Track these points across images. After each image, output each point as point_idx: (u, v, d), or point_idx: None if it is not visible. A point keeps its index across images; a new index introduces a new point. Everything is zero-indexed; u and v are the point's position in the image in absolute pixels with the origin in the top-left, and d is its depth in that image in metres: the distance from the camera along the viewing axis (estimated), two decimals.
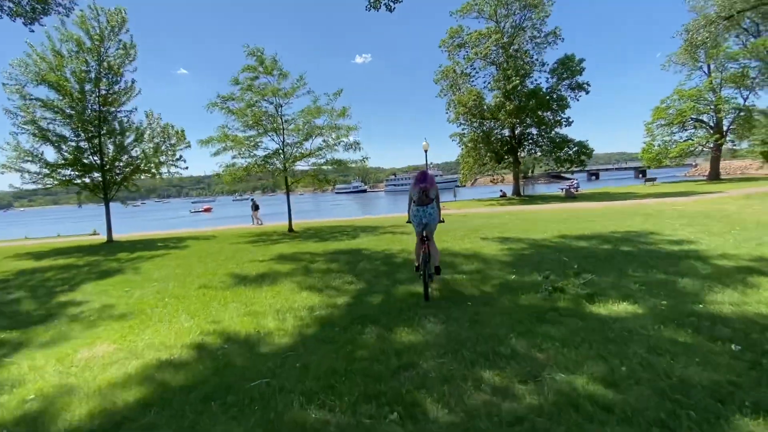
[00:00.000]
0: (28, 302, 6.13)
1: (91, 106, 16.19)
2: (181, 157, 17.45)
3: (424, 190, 4.72)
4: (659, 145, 34.90)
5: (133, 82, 16.50)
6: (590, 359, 2.81)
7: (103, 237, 17.96)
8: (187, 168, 17.84)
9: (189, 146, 17.48)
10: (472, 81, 31.44)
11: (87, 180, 16.73)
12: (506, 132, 31.04)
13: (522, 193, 32.78)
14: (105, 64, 16.20)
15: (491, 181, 40.17)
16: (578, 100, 30.09)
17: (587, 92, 29.81)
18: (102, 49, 16.09)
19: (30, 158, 15.36)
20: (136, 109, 17.20)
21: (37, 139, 15.29)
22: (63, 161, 15.87)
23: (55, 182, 16.38)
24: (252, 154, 15.33)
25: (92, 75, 15.92)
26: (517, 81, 27.22)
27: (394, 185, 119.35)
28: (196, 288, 6.18)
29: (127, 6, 16.28)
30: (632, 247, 7.34)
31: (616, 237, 8.65)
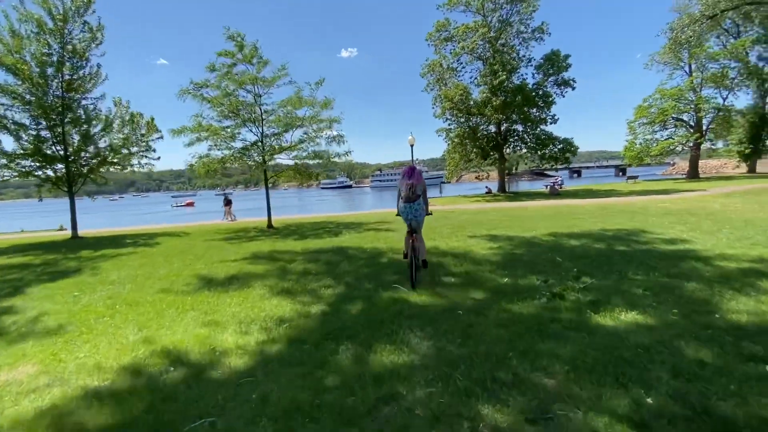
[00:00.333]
0: None
1: (54, 91, 15.01)
2: (151, 147, 16.38)
3: (411, 187, 4.92)
4: (641, 144, 35.35)
5: (99, 66, 15.35)
6: (608, 388, 2.34)
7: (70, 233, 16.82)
8: (159, 159, 16.80)
9: (162, 137, 16.43)
10: (459, 76, 31.05)
11: (49, 172, 15.56)
12: (492, 128, 30.80)
13: (507, 190, 32.69)
14: (69, 47, 15.03)
15: (476, 178, 40.14)
16: (564, 96, 30.08)
17: (573, 88, 29.79)
18: (65, 31, 14.90)
19: None
20: (103, 95, 16.05)
21: None
22: (22, 151, 14.67)
23: (14, 174, 15.17)
24: (229, 145, 14.49)
25: (54, 58, 14.73)
26: (504, 76, 26.92)
27: (380, 181, 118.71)
28: (154, 292, 5.51)
29: None
30: (626, 246, 7.01)
31: (608, 235, 8.35)
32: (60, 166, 15.47)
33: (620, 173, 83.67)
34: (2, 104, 14.26)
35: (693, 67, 33.97)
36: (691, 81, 32.72)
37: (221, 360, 3.10)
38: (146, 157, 16.60)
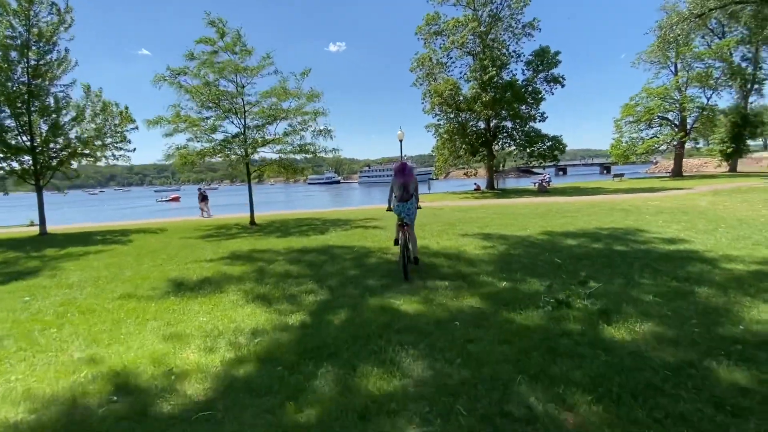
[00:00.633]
0: None
1: (18, 77, 14.03)
2: (126, 138, 15.48)
3: (405, 185, 5.15)
4: (627, 142, 35.63)
5: (67, 51, 14.35)
6: (643, 427, 1.94)
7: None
8: (134, 150, 15.92)
9: (136, 127, 15.55)
10: (449, 71, 30.67)
11: (14, 164, 14.56)
12: (482, 124, 30.55)
13: (496, 187, 32.57)
14: (35, 30, 14.04)
15: (465, 174, 39.92)
16: (553, 93, 29.98)
17: (563, 86, 29.69)
18: (31, 13, 13.91)
19: None
20: (74, 82, 15.07)
21: None
22: None
23: None
24: (210, 138, 13.75)
25: (19, 42, 13.73)
26: (494, 72, 26.62)
27: (368, 176, 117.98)
28: (114, 298, 4.93)
29: None
30: (625, 246, 6.71)
31: (604, 234, 8.07)
32: (27, 157, 14.50)
33: (605, 171, 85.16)
34: None
35: (679, 66, 34.34)
36: (676, 80, 33.05)
37: (177, 387, 2.59)
38: (121, 148, 15.70)
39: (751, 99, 35.76)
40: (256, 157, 14.58)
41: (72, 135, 15.03)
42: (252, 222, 14.10)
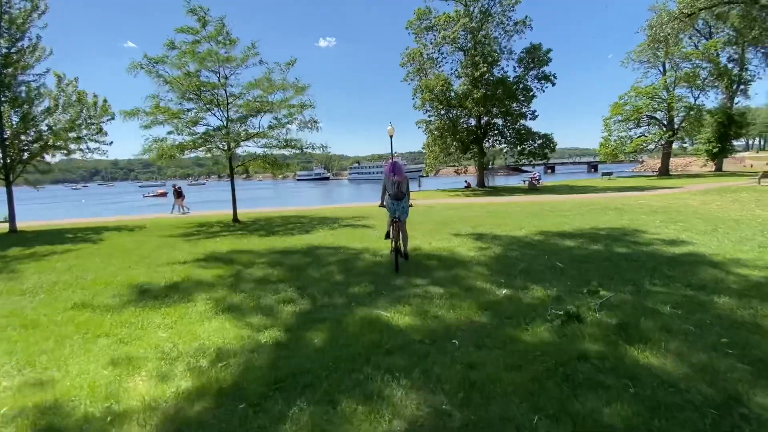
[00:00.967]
0: None
1: None
2: (102, 131, 14.63)
3: (398, 183, 5.30)
4: (616, 140, 35.78)
5: (38, 38, 13.44)
6: None
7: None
8: (111, 143, 15.07)
9: (113, 118, 14.68)
10: (440, 67, 30.27)
11: None
12: (472, 121, 30.25)
13: (486, 185, 32.35)
14: (6, 16, 13.12)
15: (455, 172, 39.63)
16: (544, 91, 29.84)
17: (553, 84, 29.56)
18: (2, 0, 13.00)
19: None
20: (48, 71, 14.16)
21: None
22: None
23: None
24: (191, 131, 13.03)
25: None
26: (485, 68, 26.28)
27: (358, 173, 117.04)
28: (67, 308, 4.35)
29: None
30: (627, 248, 6.37)
31: (602, 235, 7.74)
32: None
33: (592, 169, 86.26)
34: None
35: (667, 66, 34.56)
36: (664, 80, 33.25)
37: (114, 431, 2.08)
38: (96, 141, 14.83)
39: (736, 99, 36.24)
40: (240, 151, 13.96)
41: (44, 126, 14.14)
42: (235, 219, 13.47)
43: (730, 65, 34.64)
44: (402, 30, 31.37)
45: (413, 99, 29.92)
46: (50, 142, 13.98)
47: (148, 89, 12.44)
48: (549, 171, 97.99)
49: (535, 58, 28.63)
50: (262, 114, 13.05)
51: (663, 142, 34.73)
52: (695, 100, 33.78)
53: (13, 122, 13.77)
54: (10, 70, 13.43)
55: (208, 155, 13.40)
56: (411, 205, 5.61)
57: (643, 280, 4.48)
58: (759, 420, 1.95)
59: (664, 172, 36.61)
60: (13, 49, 13.40)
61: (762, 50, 33.52)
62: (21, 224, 14.86)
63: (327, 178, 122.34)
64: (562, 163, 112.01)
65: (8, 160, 13.78)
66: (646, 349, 2.75)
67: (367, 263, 5.88)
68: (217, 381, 2.55)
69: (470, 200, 19.99)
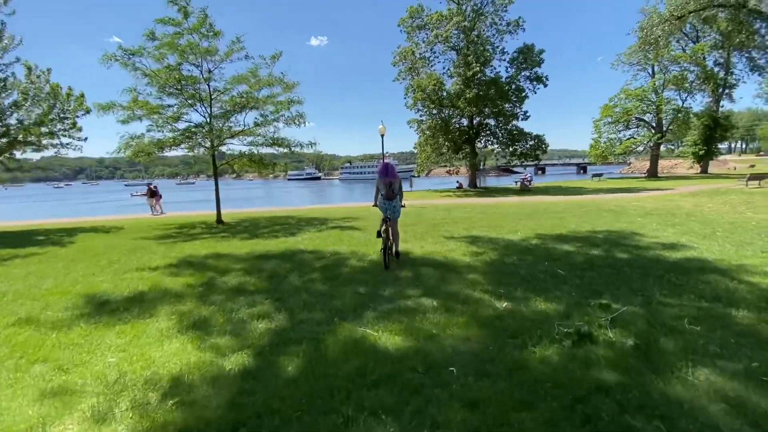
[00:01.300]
0: None
1: None
2: (76, 126, 13.89)
3: (390, 184, 5.49)
4: (605, 142, 35.94)
5: (3, 25, 12.66)
6: None
7: None
8: (86, 139, 14.32)
9: (88, 111, 13.94)
10: (432, 66, 29.94)
11: None
12: (464, 121, 30.00)
13: (478, 185, 32.14)
14: None
15: (447, 172, 39.37)
16: (536, 92, 29.72)
17: (545, 85, 29.44)
18: None
19: None
20: (17, 60, 13.38)
21: None
22: None
23: None
24: (173, 128, 12.40)
25: None
26: (477, 68, 26.03)
27: (350, 173, 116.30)
28: (9, 324, 3.81)
29: None
30: (627, 253, 6.05)
31: (600, 239, 7.43)
32: None
33: (581, 171, 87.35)
34: None
35: (656, 68, 34.83)
36: (653, 82, 33.50)
37: None
38: (70, 137, 14.08)
39: (721, 103, 36.71)
40: (224, 149, 13.38)
41: (12, 120, 13.36)
42: (218, 221, 12.88)
43: (716, 69, 35.08)
44: (395, 29, 30.91)
45: (405, 98, 29.57)
46: (20, 138, 13.21)
47: (132, 84, 11.73)
48: (539, 172, 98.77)
49: (528, 58, 28.49)
50: (247, 110, 12.48)
51: (652, 144, 35.01)
52: (683, 103, 34.13)
53: None
54: None
55: (191, 153, 12.78)
56: (404, 206, 5.86)
57: (651, 289, 4.14)
58: None
59: (652, 173, 36.92)
60: None
61: (746, 55, 34.01)
62: None
63: (318, 178, 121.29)
64: (552, 165, 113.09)
65: None
66: (672, 377, 2.37)
67: (353, 269, 5.44)
68: (164, 425, 2.08)
69: (462, 201, 19.68)
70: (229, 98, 12.69)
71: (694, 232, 7.94)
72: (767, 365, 2.51)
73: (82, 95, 13.88)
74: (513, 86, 28.69)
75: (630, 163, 67.71)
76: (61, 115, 13.73)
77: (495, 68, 29.19)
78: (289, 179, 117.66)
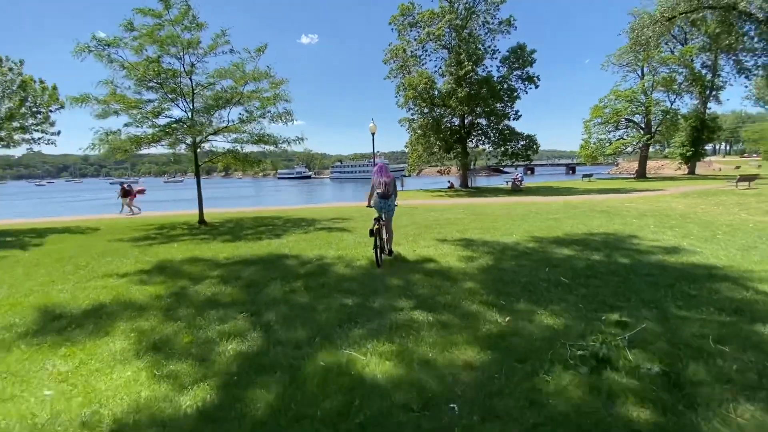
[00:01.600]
0: None
1: None
2: (48, 120, 13.14)
3: (386, 183, 5.72)
4: (595, 143, 36.08)
5: None
6: None
7: None
8: (59, 133, 13.58)
9: (62, 106, 13.21)
10: (423, 64, 29.59)
11: None
12: (456, 121, 29.74)
13: (469, 185, 31.94)
14: None
15: (438, 172, 39.12)
16: (527, 92, 29.61)
17: (537, 86, 29.35)
18: None
19: None
20: None
21: None
22: None
23: None
24: (153, 123, 11.76)
25: None
26: (469, 67, 25.77)
27: (340, 172, 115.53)
28: None
29: None
30: (630, 258, 5.74)
31: (598, 242, 7.14)
32: None
33: (570, 171, 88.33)
34: None
35: (645, 70, 35.07)
36: (642, 84, 33.71)
37: None
38: (44, 132, 13.33)
39: (708, 105, 37.17)
40: (208, 146, 12.79)
41: None
42: (201, 221, 12.29)
43: (703, 71, 35.49)
44: (386, 27, 30.45)
45: (396, 97, 29.18)
46: None
47: (108, 76, 11.08)
48: (529, 172, 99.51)
49: (520, 58, 28.34)
50: (231, 106, 11.92)
51: (641, 145, 35.25)
52: (671, 104, 34.42)
53: None
54: None
55: (171, 150, 12.15)
56: (396, 205, 6.10)
57: (664, 301, 3.80)
58: None
59: (641, 174, 37.20)
60: None
61: (733, 57, 34.46)
62: None
63: (308, 177, 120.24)
64: (542, 165, 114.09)
65: None
66: (712, 417, 2.01)
67: (340, 277, 5.01)
68: None
69: (454, 201, 19.37)
70: (213, 93, 12.13)
71: (693, 234, 7.70)
72: None
73: (55, 87, 13.13)
74: (505, 86, 28.52)
75: (618, 164, 68.56)
76: (33, 109, 12.97)
77: (487, 67, 29.01)
78: (279, 178, 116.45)
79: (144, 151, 12.31)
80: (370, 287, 4.48)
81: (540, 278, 4.71)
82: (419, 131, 29.08)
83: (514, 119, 29.64)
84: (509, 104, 28.93)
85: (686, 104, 37.23)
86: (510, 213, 12.30)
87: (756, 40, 27.67)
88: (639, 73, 36.17)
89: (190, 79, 11.87)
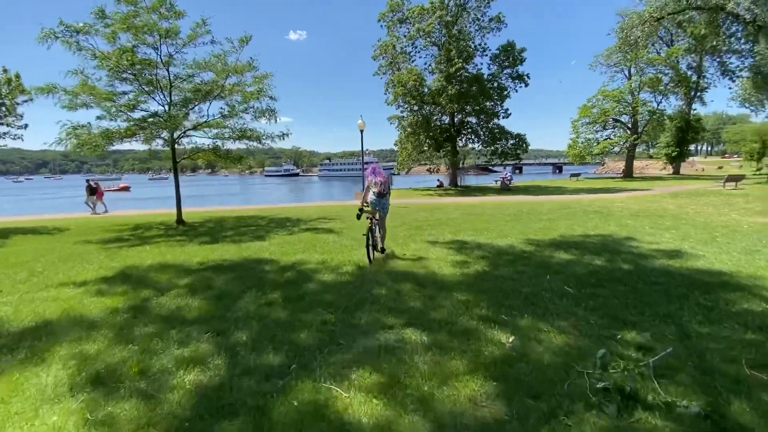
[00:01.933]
0: None
1: None
2: (12, 112, 12.26)
3: (382, 183, 5.97)
4: (583, 142, 36.23)
5: None
6: None
7: None
8: (26, 127, 12.70)
9: (31, 99, 12.34)
10: (413, 61, 29.14)
11: None
12: (446, 119, 29.41)
13: (459, 184, 31.70)
14: None
15: (428, 171, 38.81)
16: (517, 91, 29.43)
17: (526, 85, 29.18)
18: None
19: None
20: None
21: None
22: None
23: None
24: (128, 117, 11.04)
25: None
26: (460, 64, 25.44)
27: (329, 170, 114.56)
28: None
29: None
30: (632, 264, 5.41)
31: (596, 244, 6.82)
32: None
33: (557, 171, 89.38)
34: None
35: (633, 70, 35.34)
36: (630, 84, 33.96)
37: None
38: (8, 125, 12.44)
39: (693, 106, 37.69)
40: (186, 141, 12.10)
41: None
42: (179, 221, 11.63)
43: (689, 72, 35.94)
44: (375, 23, 29.91)
45: (386, 94, 28.66)
46: None
47: (78, 66, 10.31)
48: (517, 171, 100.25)
49: (510, 56, 28.13)
50: (212, 99, 11.28)
51: (628, 145, 35.53)
52: (658, 105, 34.78)
53: None
54: None
55: (146, 146, 11.44)
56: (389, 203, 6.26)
57: (681, 315, 3.44)
58: None
59: (628, 174, 37.55)
60: None
61: (718, 59, 34.98)
62: None
63: (296, 175, 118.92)
64: (529, 164, 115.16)
65: None
66: None
67: (323, 286, 4.53)
68: None
69: (444, 200, 19.02)
70: (192, 86, 11.46)
71: (692, 237, 7.47)
72: None
73: (18, 76, 12.24)
74: (495, 84, 28.30)
75: (604, 164, 69.45)
76: None
77: (477, 65, 28.73)
78: (266, 175, 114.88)
79: (120, 147, 11.63)
80: (357, 298, 4.03)
81: (542, 287, 4.32)
82: (409, 129, 28.66)
83: (503, 118, 29.48)
84: (499, 102, 28.71)
85: (672, 105, 37.79)
86: (501, 213, 11.98)
87: (743, 41, 28.04)
88: (626, 73, 36.46)
89: (168, 70, 11.19)
